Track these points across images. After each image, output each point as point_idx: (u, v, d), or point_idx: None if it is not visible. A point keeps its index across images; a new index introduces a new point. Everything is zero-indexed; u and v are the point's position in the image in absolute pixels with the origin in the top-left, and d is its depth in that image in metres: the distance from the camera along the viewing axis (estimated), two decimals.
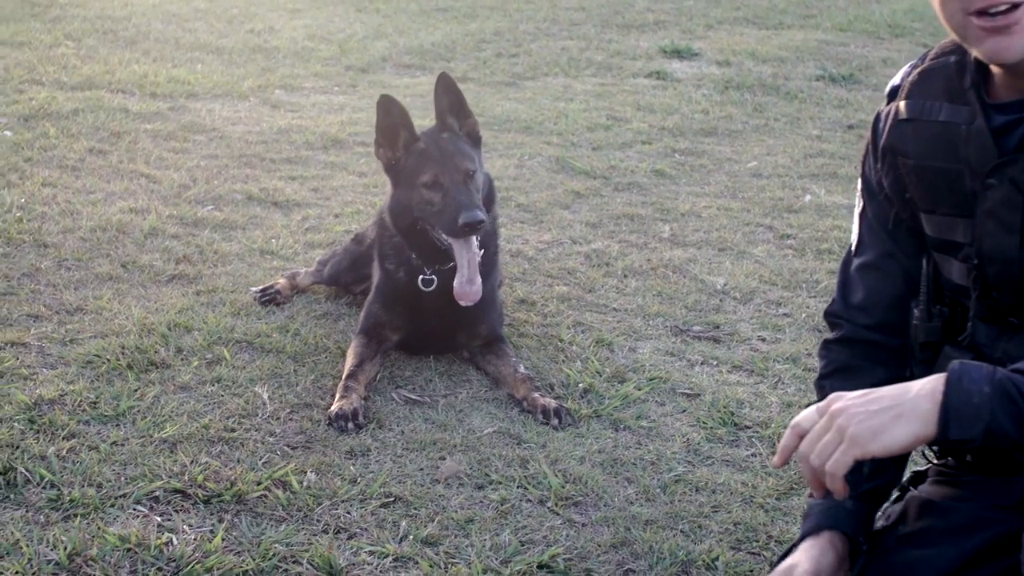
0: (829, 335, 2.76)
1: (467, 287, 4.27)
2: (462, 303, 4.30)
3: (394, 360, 4.51)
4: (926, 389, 2.00)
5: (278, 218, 5.95)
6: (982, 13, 2.17)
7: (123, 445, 3.70)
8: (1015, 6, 2.15)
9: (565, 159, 7.25)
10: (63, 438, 3.70)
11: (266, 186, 6.38)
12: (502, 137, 7.65)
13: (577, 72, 9.96)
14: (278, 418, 3.99)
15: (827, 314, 2.78)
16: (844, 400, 2.05)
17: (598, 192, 6.71)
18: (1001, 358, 2.35)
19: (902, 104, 2.50)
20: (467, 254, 4.27)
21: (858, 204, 2.71)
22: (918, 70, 2.52)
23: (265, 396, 4.12)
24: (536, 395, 4.17)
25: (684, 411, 4.20)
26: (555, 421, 4.06)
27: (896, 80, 2.59)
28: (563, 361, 4.55)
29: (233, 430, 3.86)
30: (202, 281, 5.08)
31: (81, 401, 3.96)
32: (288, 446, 3.81)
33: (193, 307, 4.79)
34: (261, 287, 4.98)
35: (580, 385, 4.34)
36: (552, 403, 4.12)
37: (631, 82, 9.75)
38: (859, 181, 2.71)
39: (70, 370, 4.19)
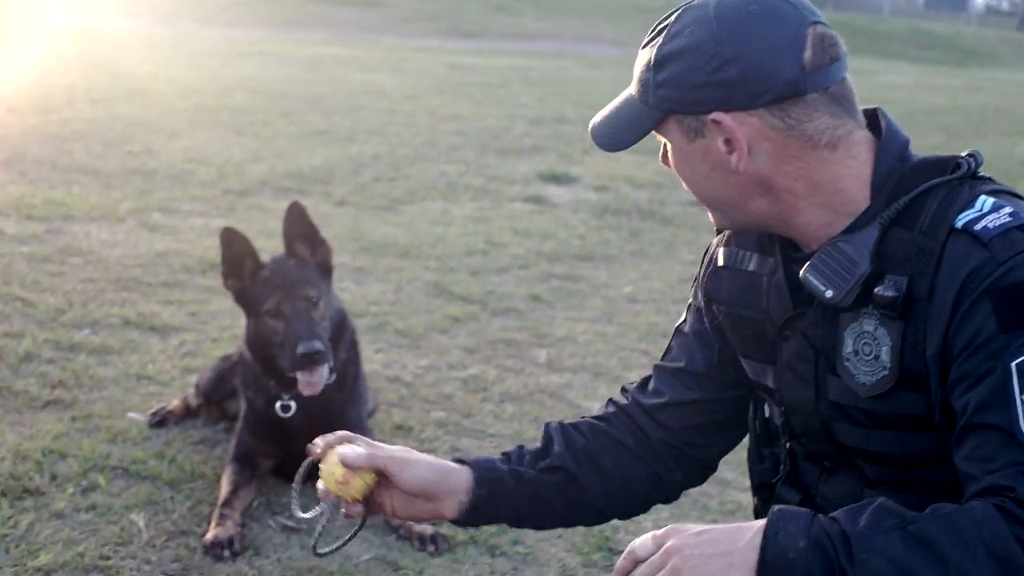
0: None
1: (308, 377, 4.32)
2: (306, 392, 4.32)
3: (270, 486, 4.50)
4: (754, 541, 2.00)
5: (155, 343, 5.92)
6: None
7: None
8: None
9: (443, 284, 7.32)
10: None
11: (143, 310, 6.36)
12: (380, 262, 7.70)
13: (455, 196, 10.07)
14: (154, 546, 3.97)
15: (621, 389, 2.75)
16: (681, 537, 2.02)
17: (475, 317, 6.77)
18: (821, 503, 2.39)
19: (720, 251, 2.53)
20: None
21: (682, 317, 2.69)
22: None
23: (141, 523, 4.09)
24: (411, 522, 4.20)
25: (560, 536, 4.24)
26: (431, 548, 4.09)
27: None
28: None
29: (108, 558, 3.83)
30: (78, 407, 5.03)
31: None
32: (164, 574, 3.79)
33: (68, 433, 4.74)
34: (153, 410, 4.99)
35: None
36: (428, 529, 4.14)
37: (509, 207, 9.87)
38: (690, 299, 2.69)
39: None
